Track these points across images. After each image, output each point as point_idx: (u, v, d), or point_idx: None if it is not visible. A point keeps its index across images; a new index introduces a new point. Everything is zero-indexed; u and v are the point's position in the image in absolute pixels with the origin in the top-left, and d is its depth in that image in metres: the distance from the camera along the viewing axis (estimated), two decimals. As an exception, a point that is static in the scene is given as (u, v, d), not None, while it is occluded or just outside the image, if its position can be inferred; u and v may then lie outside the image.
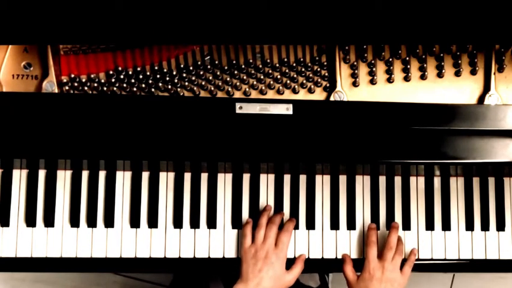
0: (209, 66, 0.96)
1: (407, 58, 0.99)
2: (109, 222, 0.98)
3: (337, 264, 1.01)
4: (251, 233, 0.96)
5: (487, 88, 0.99)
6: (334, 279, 1.24)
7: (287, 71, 0.98)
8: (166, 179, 1.01)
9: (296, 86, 0.97)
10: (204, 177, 1.01)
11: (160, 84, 0.95)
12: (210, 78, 0.96)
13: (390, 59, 0.99)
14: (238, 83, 0.97)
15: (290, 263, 0.97)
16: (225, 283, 1.08)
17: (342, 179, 1.03)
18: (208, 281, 1.09)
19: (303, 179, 1.02)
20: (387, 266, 0.95)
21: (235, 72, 0.97)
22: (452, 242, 1.03)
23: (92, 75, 0.95)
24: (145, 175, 1.00)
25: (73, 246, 0.98)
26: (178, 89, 0.96)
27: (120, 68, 0.95)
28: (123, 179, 1.00)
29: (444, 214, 1.03)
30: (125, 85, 0.95)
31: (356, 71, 0.98)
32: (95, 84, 0.95)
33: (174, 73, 0.95)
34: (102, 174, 1.00)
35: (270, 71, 0.97)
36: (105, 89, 0.95)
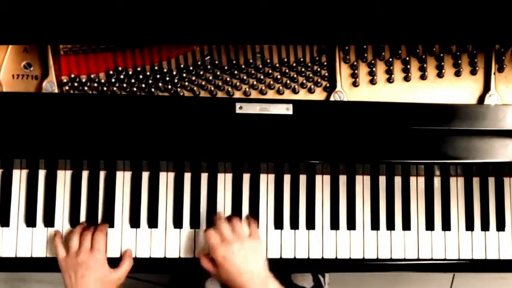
0: (209, 66, 0.96)
1: (407, 58, 0.99)
2: (109, 222, 0.98)
3: (337, 264, 1.01)
4: (62, 244, 0.94)
5: (487, 88, 0.99)
6: (332, 280, 1.24)
7: (287, 71, 0.98)
8: (166, 179, 1.01)
9: (296, 86, 0.97)
10: (204, 177, 1.01)
11: (160, 84, 0.95)
12: (210, 78, 0.96)
13: (390, 59, 0.99)
14: (238, 83, 0.97)
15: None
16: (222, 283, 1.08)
17: (342, 179, 1.03)
18: (204, 281, 1.09)
19: (303, 179, 1.02)
20: (231, 240, 0.91)
21: (235, 72, 0.97)
22: (452, 242, 1.03)
23: (92, 75, 0.95)
24: (145, 175, 1.00)
25: (73, 246, 0.98)
26: (178, 89, 0.96)
27: (120, 68, 0.95)
28: (123, 179, 1.00)
29: (444, 214, 1.03)
30: (125, 85, 0.95)
31: (356, 71, 0.98)
32: (95, 84, 0.95)
33: (174, 73, 0.95)
34: (102, 174, 1.00)
35: (270, 71, 0.97)
36: (105, 89, 0.95)
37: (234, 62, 0.97)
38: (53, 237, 0.96)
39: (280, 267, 0.97)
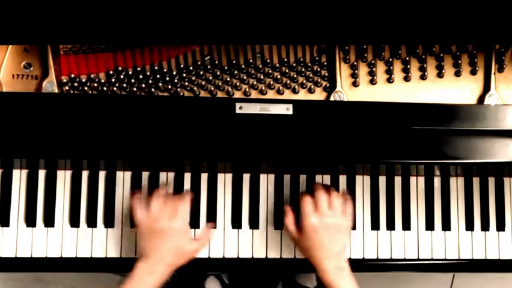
0: (209, 66, 0.96)
1: (407, 58, 0.99)
2: (109, 222, 0.98)
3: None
4: (141, 204, 0.90)
5: (487, 88, 0.99)
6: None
7: (287, 71, 0.98)
8: (166, 179, 1.01)
9: (296, 86, 0.97)
10: (204, 177, 1.01)
11: (160, 84, 0.95)
12: (210, 78, 0.96)
13: (390, 59, 0.99)
14: (238, 83, 0.97)
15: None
16: (222, 283, 1.08)
17: (342, 179, 1.03)
18: (204, 281, 1.09)
19: (303, 179, 1.02)
20: (325, 213, 0.89)
21: (235, 72, 0.97)
22: (452, 242, 1.03)
23: (92, 75, 0.95)
24: (145, 175, 1.00)
25: (73, 246, 0.98)
26: (178, 89, 0.96)
27: (120, 68, 0.95)
28: (123, 179, 1.00)
29: (444, 214, 1.03)
30: (125, 85, 0.95)
31: (356, 71, 0.98)
32: (95, 84, 0.95)
33: (174, 73, 0.95)
34: (102, 174, 1.00)
35: (270, 71, 0.97)
36: (105, 89, 0.95)
37: (234, 62, 0.97)
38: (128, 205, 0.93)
39: (281, 267, 0.97)
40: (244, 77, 0.97)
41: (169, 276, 0.86)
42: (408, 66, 0.99)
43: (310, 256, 0.89)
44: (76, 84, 0.94)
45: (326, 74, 0.98)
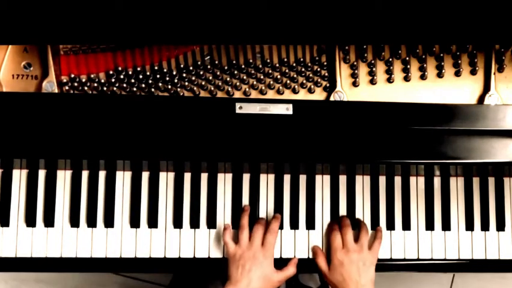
0: (209, 66, 0.96)
1: (407, 58, 0.99)
2: (109, 222, 0.98)
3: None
4: (232, 237, 0.96)
5: (487, 88, 0.99)
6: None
7: (287, 71, 0.98)
8: (166, 179, 1.01)
9: (296, 86, 0.97)
10: (204, 177, 1.01)
11: (160, 84, 0.95)
12: (210, 78, 0.96)
13: (390, 59, 0.99)
14: (238, 83, 0.97)
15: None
16: (224, 284, 1.08)
17: (342, 179, 1.03)
18: (207, 283, 1.09)
19: (303, 179, 1.02)
20: (352, 248, 0.95)
21: (235, 72, 0.97)
22: (452, 242, 1.03)
23: (92, 75, 0.95)
24: (145, 175, 1.00)
25: (73, 246, 0.98)
26: (178, 89, 0.96)
27: (120, 68, 0.95)
28: (123, 179, 1.00)
29: (445, 214, 1.03)
30: (125, 85, 0.95)
31: (356, 71, 0.98)
32: (95, 84, 0.95)
33: (174, 73, 0.95)
34: (102, 174, 1.00)
35: (270, 71, 0.97)
36: (105, 89, 0.95)
37: (234, 62, 0.97)
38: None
39: (280, 267, 0.97)
40: (244, 77, 0.97)
41: None
42: (408, 66, 0.99)
43: None
44: (76, 84, 0.94)
45: (326, 74, 0.98)
